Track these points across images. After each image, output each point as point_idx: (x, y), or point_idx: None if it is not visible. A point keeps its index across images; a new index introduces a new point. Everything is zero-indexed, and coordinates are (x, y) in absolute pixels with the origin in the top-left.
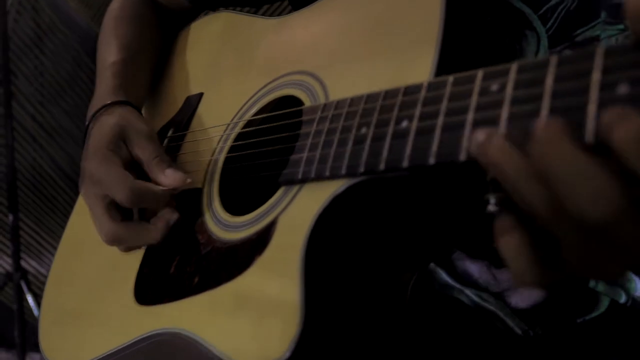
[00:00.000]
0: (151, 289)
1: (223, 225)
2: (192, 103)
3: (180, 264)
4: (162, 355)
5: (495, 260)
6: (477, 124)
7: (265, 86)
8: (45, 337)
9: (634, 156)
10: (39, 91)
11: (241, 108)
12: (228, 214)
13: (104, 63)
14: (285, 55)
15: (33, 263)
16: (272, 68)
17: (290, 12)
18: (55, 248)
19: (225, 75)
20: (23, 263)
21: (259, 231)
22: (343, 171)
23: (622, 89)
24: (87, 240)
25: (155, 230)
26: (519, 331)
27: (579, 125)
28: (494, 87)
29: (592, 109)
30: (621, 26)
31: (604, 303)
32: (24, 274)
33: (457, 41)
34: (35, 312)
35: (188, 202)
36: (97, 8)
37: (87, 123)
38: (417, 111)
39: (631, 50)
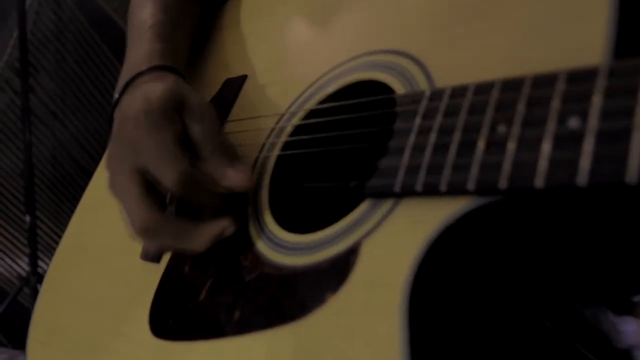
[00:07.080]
0: (173, 318)
1: (276, 245)
2: (233, 87)
3: (214, 290)
4: None
5: (614, 306)
6: None
7: (333, 69)
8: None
9: None
10: (59, 87)
11: (300, 95)
12: (283, 230)
13: (141, 25)
14: (365, 31)
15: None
16: (346, 47)
17: None
18: None
19: (277, 55)
20: (41, 263)
21: (333, 258)
22: (470, 186)
23: None
24: (94, 243)
25: (202, 236)
26: None
27: None
28: None
29: None
30: None
31: None
32: (41, 276)
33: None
34: None
35: (229, 209)
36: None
37: (117, 95)
38: (596, 105)
39: None
